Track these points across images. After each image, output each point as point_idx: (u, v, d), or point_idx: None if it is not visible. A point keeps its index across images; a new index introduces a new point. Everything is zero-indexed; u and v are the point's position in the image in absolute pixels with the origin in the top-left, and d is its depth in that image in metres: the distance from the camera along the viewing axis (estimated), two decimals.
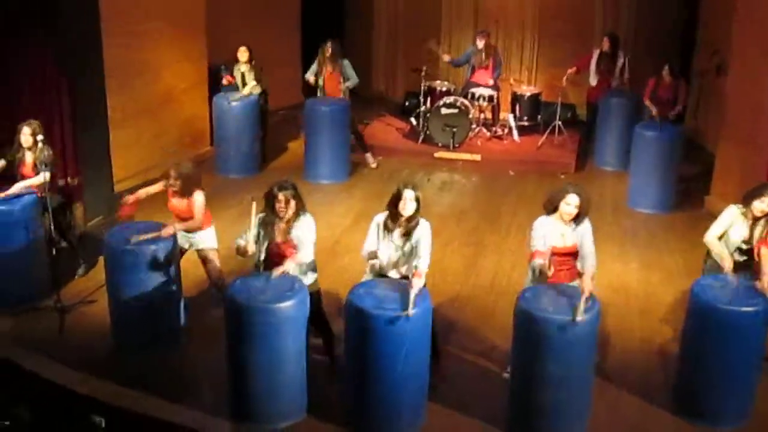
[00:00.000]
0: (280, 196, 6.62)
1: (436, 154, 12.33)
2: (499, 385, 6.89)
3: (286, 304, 6.32)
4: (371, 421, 6.48)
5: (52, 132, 8.77)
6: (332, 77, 11.69)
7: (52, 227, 7.93)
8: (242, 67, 11.58)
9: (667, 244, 9.70)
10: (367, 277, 6.87)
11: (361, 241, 6.83)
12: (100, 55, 9.67)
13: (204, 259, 7.75)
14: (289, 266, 6.59)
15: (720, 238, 7.03)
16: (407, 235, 6.67)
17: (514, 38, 14.23)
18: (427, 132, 12.51)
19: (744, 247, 6.94)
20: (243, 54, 11.53)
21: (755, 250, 6.74)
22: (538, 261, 6.55)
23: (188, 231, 7.55)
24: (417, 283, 6.33)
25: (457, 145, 12.34)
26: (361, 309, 6.22)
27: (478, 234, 9.95)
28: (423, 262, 6.58)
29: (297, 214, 6.71)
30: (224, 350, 6.65)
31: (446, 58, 13.02)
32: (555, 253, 6.69)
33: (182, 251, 7.70)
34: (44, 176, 7.80)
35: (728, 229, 6.98)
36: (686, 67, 13.06)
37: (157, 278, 7.23)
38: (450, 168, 12.14)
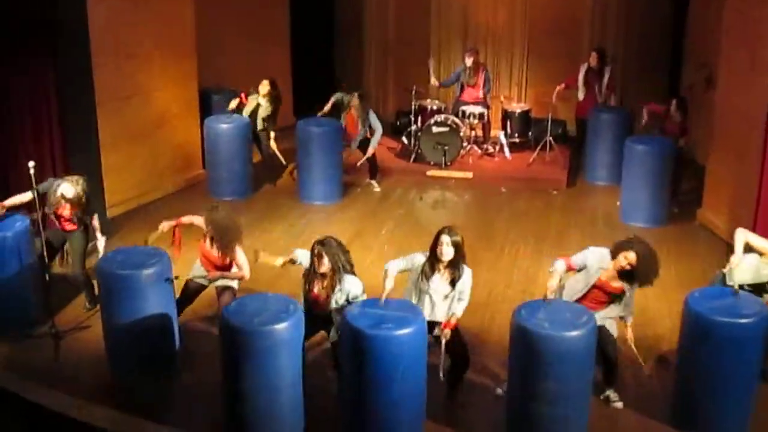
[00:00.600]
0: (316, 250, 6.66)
1: (429, 173, 12.34)
2: (497, 401, 6.87)
3: (281, 326, 6.30)
4: None
5: (43, 156, 8.73)
6: (353, 120, 11.73)
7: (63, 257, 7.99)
8: (260, 99, 11.57)
9: (661, 257, 9.65)
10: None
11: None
12: (90, 79, 9.67)
13: (221, 293, 7.68)
14: None
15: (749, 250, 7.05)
16: (453, 283, 6.71)
17: (504, 56, 14.27)
18: (419, 150, 12.53)
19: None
20: (264, 86, 11.54)
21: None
22: (559, 264, 6.69)
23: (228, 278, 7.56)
24: (446, 335, 6.58)
25: (448, 163, 12.35)
26: (356, 329, 6.21)
27: (471, 251, 9.78)
28: (462, 305, 6.77)
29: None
30: (220, 374, 6.62)
31: (434, 81, 13.07)
32: (598, 286, 6.73)
33: (201, 288, 7.71)
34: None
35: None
36: (675, 80, 13.11)
37: (151, 303, 7.20)
38: (442, 186, 12.15)
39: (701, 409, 6.62)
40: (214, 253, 7.46)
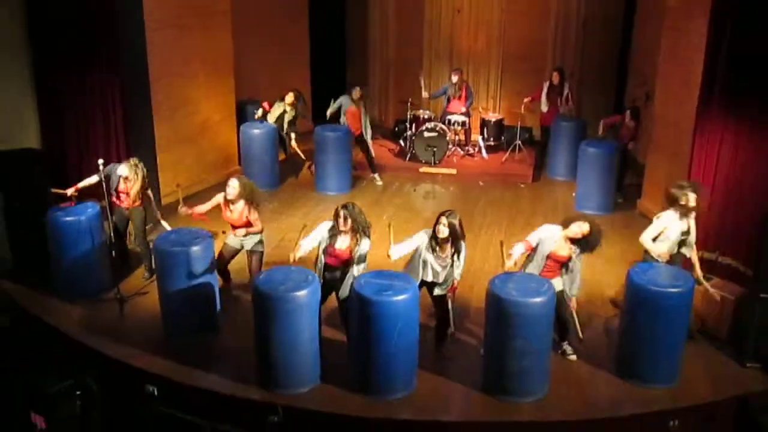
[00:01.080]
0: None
1: (421, 169, 12.31)
2: (476, 356, 6.89)
3: (302, 293, 6.32)
4: (372, 386, 6.47)
5: (110, 155, 8.74)
6: (355, 115, 11.66)
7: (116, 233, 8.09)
8: (286, 107, 11.48)
9: (608, 238, 9.62)
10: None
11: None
12: (148, 92, 9.66)
13: (250, 257, 7.74)
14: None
15: (655, 239, 7.06)
16: (452, 255, 6.75)
17: (482, 74, 14.21)
18: (413, 151, 12.50)
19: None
20: (290, 97, 11.41)
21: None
22: (518, 248, 6.71)
23: (248, 235, 7.61)
24: (451, 298, 6.78)
25: (437, 162, 12.33)
26: (363, 296, 6.23)
27: None
28: (458, 274, 6.85)
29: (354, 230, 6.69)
30: (252, 332, 6.65)
31: (425, 94, 13.04)
32: (550, 257, 6.75)
33: (236, 251, 7.74)
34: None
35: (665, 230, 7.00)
36: (621, 94, 13.08)
37: (197, 274, 7.21)
38: (432, 180, 12.12)
39: (639, 361, 6.65)
40: (234, 216, 7.55)
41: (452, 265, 6.78)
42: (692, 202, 6.91)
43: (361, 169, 12.14)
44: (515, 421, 6.29)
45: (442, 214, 6.65)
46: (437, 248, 6.71)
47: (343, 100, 11.67)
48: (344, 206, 6.66)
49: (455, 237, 6.65)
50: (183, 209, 7.71)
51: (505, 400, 6.42)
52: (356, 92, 11.64)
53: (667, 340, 6.50)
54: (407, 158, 12.63)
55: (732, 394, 6.59)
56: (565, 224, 6.74)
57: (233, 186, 7.48)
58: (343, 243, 6.68)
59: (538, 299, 6.21)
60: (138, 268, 8.59)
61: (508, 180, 12.03)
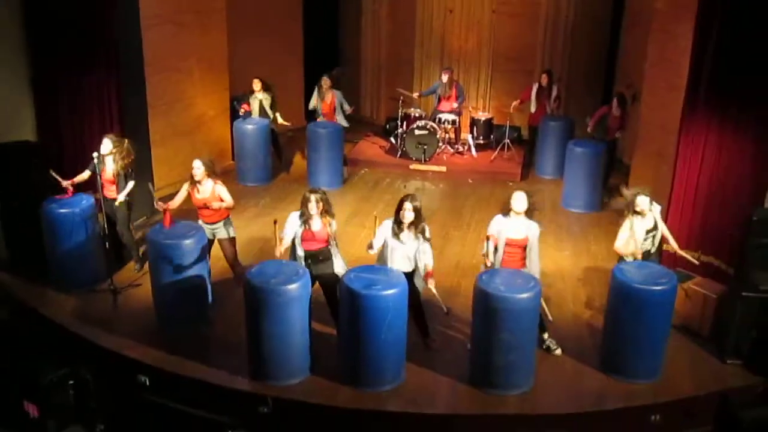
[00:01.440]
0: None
1: (411, 166, 12.30)
2: (464, 350, 6.89)
3: (293, 286, 6.32)
4: (361, 378, 6.48)
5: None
6: (329, 105, 11.66)
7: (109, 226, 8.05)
8: (258, 95, 11.46)
9: (594, 236, 9.73)
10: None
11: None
12: (143, 88, 9.63)
13: (223, 245, 7.77)
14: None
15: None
16: (417, 238, 6.72)
17: (472, 74, 14.21)
18: (404, 149, 12.49)
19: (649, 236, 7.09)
20: (256, 84, 11.39)
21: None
22: (489, 244, 6.73)
23: (219, 220, 7.63)
24: (432, 282, 6.64)
25: (427, 159, 12.32)
26: (352, 290, 6.23)
27: (445, 229, 9.94)
28: (430, 260, 6.78)
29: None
30: (244, 324, 6.63)
31: (415, 95, 13.05)
32: (508, 243, 6.72)
33: (210, 243, 7.68)
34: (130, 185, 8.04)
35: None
36: (608, 96, 13.08)
37: (189, 267, 7.20)
38: (422, 177, 12.11)
39: (623, 357, 6.67)
40: (207, 195, 7.63)
41: (419, 249, 6.76)
42: (642, 206, 6.98)
43: (353, 165, 12.14)
44: (501, 414, 6.30)
45: (403, 199, 6.68)
46: (401, 233, 6.71)
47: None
48: (313, 191, 6.82)
49: (419, 220, 6.68)
50: (159, 204, 7.66)
51: (491, 393, 6.44)
52: (325, 82, 11.64)
53: (650, 336, 6.53)
54: (398, 155, 12.62)
55: (713, 389, 6.62)
56: (506, 209, 6.84)
57: (198, 167, 7.62)
58: (317, 225, 6.80)
59: (524, 294, 6.22)
60: (131, 261, 8.55)
61: (497, 178, 12.03)
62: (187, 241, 7.17)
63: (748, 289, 6.78)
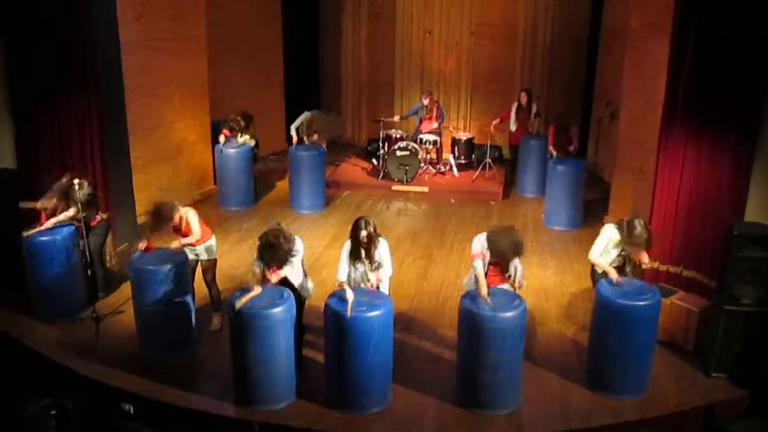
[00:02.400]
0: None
1: (394, 187, 12.31)
2: (450, 370, 6.84)
3: (277, 310, 6.27)
4: (347, 401, 6.41)
5: (86, 174, 8.62)
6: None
7: (89, 252, 7.92)
8: (240, 139, 11.44)
9: (576, 253, 9.74)
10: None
11: (337, 257, 6.79)
12: (123, 113, 9.56)
13: (203, 267, 7.68)
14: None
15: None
16: (372, 257, 6.65)
17: (452, 94, 14.30)
18: (386, 170, 12.50)
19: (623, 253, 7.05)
20: (235, 124, 11.42)
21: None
22: (477, 263, 6.62)
23: (191, 245, 7.48)
24: (382, 275, 6.61)
25: (409, 180, 12.34)
26: (337, 312, 6.19)
27: (428, 250, 9.93)
28: (385, 271, 6.68)
29: None
30: (228, 348, 6.56)
31: (396, 118, 13.15)
32: (490, 263, 6.72)
33: (195, 263, 7.62)
34: (73, 210, 7.77)
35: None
36: (587, 114, 13.19)
37: (172, 292, 7.13)
38: (404, 198, 12.12)
39: (609, 373, 6.65)
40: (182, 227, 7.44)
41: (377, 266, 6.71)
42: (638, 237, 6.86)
43: (335, 187, 12.13)
44: None
45: (357, 222, 6.60)
46: (363, 254, 6.65)
47: (303, 117, 11.74)
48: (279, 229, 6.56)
49: (375, 236, 6.61)
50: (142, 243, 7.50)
51: (478, 413, 6.39)
52: (309, 116, 11.86)
53: (635, 352, 6.51)
54: (380, 176, 12.63)
55: (699, 403, 6.61)
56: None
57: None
58: None
59: (509, 313, 6.20)
60: (117, 287, 8.47)
61: (479, 197, 12.06)
62: (169, 266, 7.11)
63: (731, 303, 6.80)
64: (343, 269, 6.68)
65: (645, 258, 7.00)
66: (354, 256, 6.66)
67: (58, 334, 7.60)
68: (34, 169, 8.69)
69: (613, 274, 6.81)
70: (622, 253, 7.05)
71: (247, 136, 11.49)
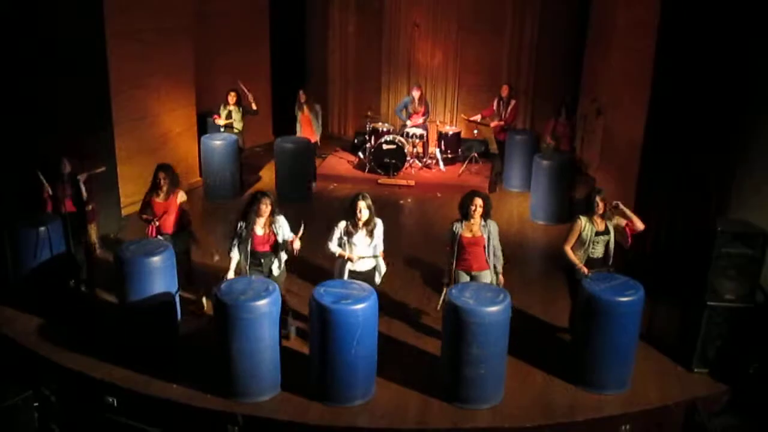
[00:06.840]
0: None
1: (380, 181, 12.30)
2: (435, 363, 6.85)
3: (262, 302, 6.25)
4: (331, 394, 6.41)
5: (74, 166, 8.57)
6: (306, 119, 11.68)
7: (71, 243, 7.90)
8: (231, 108, 11.50)
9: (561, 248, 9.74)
10: (337, 274, 7.01)
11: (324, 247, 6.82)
12: (108, 105, 9.51)
13: (181, 257, 7.79)
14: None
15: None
16: (371, 234, 6.91)
17: (439, 89, 14.29)
18: (372, 163, 12.49)
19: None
20: (232, 97, 11.47)
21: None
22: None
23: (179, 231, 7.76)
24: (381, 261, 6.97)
25: (395, 174, 12.33)
26: (322, 304, 6.17)
27: (414, 243, 9.93)
28: (380, 247, 6.99)
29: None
30: (213, 340, 6.54)
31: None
32: (465, 245, 6.98)
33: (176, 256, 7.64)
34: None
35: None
36: (573, 111, 13.21)
37: (157, 283, 7.11)
38: (391, 191, 12.11)
39: (592, 368, 6.67)
40: (162, 199, 7.73)
41: (372, 246, 6.99)
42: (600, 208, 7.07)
43: (320, 180, 12.10)
44: (473, 428, 6.26)
45: (356, 198, 6.84)
46: (355, 234, 6.90)
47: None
48: (263, 193, 6.88)
49: (371, 218, 6.88)
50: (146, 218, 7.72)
51: (462, 407, 6.40)
52: (301, 96, 11.82)
53: (619, 347, 6.54)
54: (366, 170, 12.62)
55: (680, 398, 6.65)
56: (463, 209, 7.13)
57: (162, 177, 7.78)
58: (261, 229, 6.90)
59: (493, 308, 6.21)
60: (100, 276, 8.40)
61: (465, 191, 11.99)
62: (155, 258, 7.08)
63: (713, 299, 6.84)
64: (334, 242, 6.91)
65: (639, 224, 7.06)
66: (350, 233, 6.82)
67: (40, 325, 7.54)
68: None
69: (583, 269, 6.95)
70: (600, 237, 7.06)
71: (237, 117, 11.46)
